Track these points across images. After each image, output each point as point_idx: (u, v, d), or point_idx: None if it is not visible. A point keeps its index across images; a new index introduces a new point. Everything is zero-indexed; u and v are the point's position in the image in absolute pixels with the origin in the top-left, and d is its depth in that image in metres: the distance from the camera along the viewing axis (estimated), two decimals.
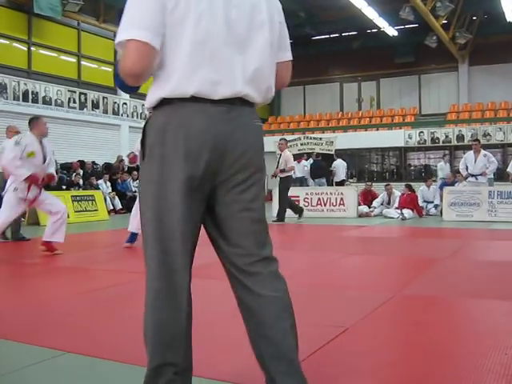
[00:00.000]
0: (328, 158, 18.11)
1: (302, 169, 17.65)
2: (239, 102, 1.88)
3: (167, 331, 1.88)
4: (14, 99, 16.44)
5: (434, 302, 4.11)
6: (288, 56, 2.09)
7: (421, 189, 14.42)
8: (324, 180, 17.68)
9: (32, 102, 16.93)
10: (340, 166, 18.28)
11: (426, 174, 22.06)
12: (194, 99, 1.83)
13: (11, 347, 3.01)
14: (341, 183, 17.69)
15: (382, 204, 13.93)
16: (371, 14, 20.81)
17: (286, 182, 11.99)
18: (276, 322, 1.93)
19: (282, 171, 11.81)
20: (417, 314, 3.78)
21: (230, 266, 1.97)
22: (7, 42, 17.09)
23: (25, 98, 16.77)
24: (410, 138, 23.39)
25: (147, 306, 1.92)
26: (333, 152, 16.43)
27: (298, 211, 12.31)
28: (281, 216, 11.86)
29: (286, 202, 12.06)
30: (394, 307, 3.97)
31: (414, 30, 23.43)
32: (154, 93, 1.87)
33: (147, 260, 1.93)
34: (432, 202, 14.08)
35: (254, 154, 1.94)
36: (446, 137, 22.76)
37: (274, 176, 12.01)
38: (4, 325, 3.52)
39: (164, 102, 1.85)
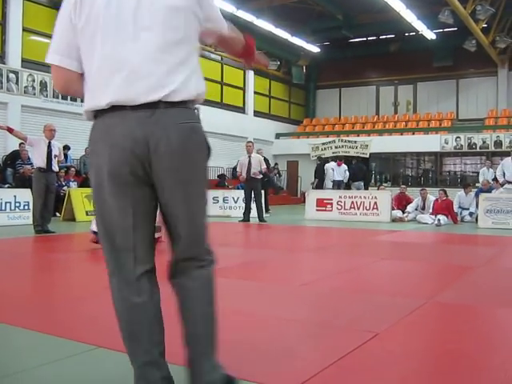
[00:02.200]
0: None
1: (343, 172, 17.46)
2: (163, 105, 1.94)
3: (121, 322, 2.05)
4: (53, 97, 16.81)
5: (466, 311, 4.06)
6: None
7: (458, 194, 14.17)
8: (362, 184, 17.68)
9: (71, 100, 17.24)
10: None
11: (462, 179, 21.75)
12: (114, 108, 1.94)
13: (46, 340, 3.08)
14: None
15: (416, 209, 13.74)
16: (409, 16, 20.62)
17: (262, 184, 12.76)
18: None
19: (261, 173, 12.52)
20: (449, 322, 3.74)
21: None
22: (47, 41, 17.38)
23: (64, 96, 17.08)
24: (447, 143, 23.08)
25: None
26: (367, 155, 16.40)
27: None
28: (260, 217, 12.52)
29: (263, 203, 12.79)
30: (426, 314, 3.93)
31: (452, 34, 23.14)
32: (83, 107, 2.06)
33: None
34: (468, 209, 13.83)
35: (181, 153, 1.95)
36: (484, 142, 22.40)
37: (246, 179, 12.46)
38: (38, 318, 3.62)
39: (96, 115, 2.01)
